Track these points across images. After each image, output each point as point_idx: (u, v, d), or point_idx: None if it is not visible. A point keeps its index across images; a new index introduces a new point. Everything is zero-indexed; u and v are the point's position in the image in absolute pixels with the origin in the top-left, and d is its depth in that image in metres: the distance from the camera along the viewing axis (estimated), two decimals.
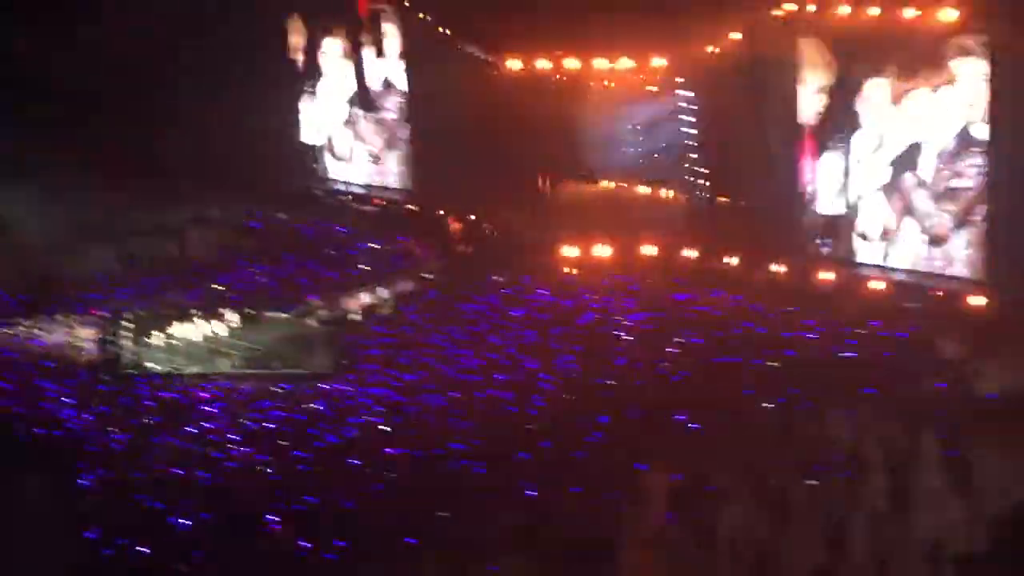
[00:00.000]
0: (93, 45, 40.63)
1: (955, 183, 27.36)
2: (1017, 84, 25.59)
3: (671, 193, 34.65)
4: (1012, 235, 26.76)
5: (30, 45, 40.26)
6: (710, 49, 31.28)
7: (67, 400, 24.88)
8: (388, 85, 38.93)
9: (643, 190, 35.11)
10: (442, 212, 36.28)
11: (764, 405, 22.95)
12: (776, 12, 29.42)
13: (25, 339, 28.46)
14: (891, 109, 27.96)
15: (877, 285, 29.25)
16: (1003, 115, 25.97)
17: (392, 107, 39.24)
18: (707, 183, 33.03)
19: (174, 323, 28.60)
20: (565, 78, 34.88)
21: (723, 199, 32.60)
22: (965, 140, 26.84)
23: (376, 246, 34.82)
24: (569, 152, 36.11)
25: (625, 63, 33.41)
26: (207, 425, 23.72)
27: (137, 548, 18.88)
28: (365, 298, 31.08)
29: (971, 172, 26.94)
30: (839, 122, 29.35)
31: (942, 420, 22.26)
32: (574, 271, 32.05)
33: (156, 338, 28.35)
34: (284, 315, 30.56)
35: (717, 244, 31.88)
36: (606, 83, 35.08)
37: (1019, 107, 25.68)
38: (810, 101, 29.63)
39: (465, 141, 35.68)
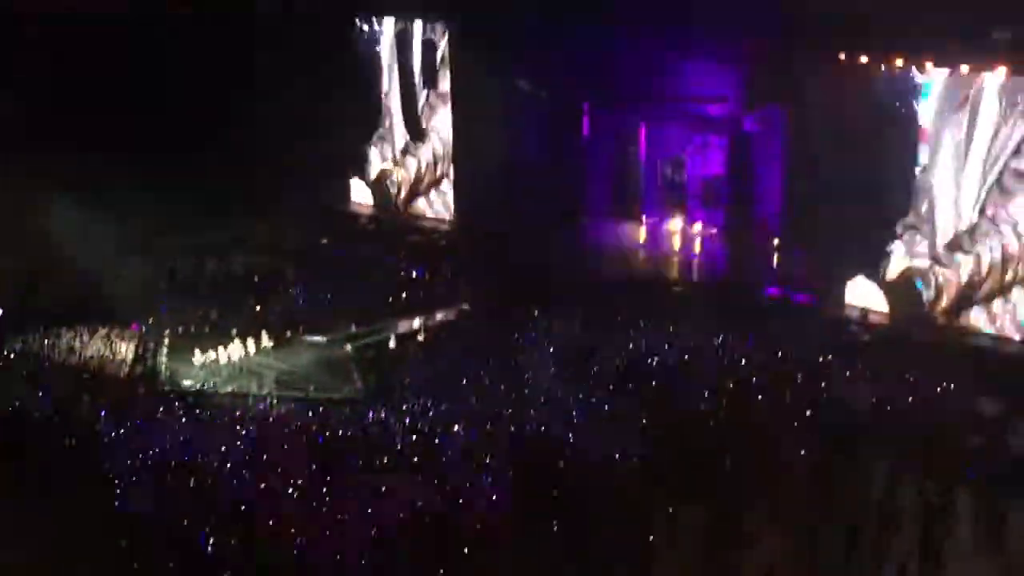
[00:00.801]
0: (150, 65, 41.43)
1: None
2: None
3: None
4: None
5: (88, 62, 41.23)
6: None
7: (102, 411, 24.95)
8: (438, 117, 39.29)
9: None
10: (485, 244, 36.44)
11: (801, 450, 22.94)
12: None
13: (65, 349, 28.60)
14: None
15: (923, 336, 29.40)
16: None
17: (441, 139, 39.53)
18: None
19: (212, 342, 28.72)
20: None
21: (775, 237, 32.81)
22: None
23: (418, 274, 34.95)
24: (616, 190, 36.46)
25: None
26: (238, 444, 23.72)
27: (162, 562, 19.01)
28: (404, 326, 31.10)
29: None
30: None
31: (977, 476, 22.25)
32: (614, 306, 31.95)
33: (193, 356, 28.45)
34: (321, 339, 30.67)
35: (765, 281, 32.08)
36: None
37: None
38: None
39: (507, 175, 35.93)
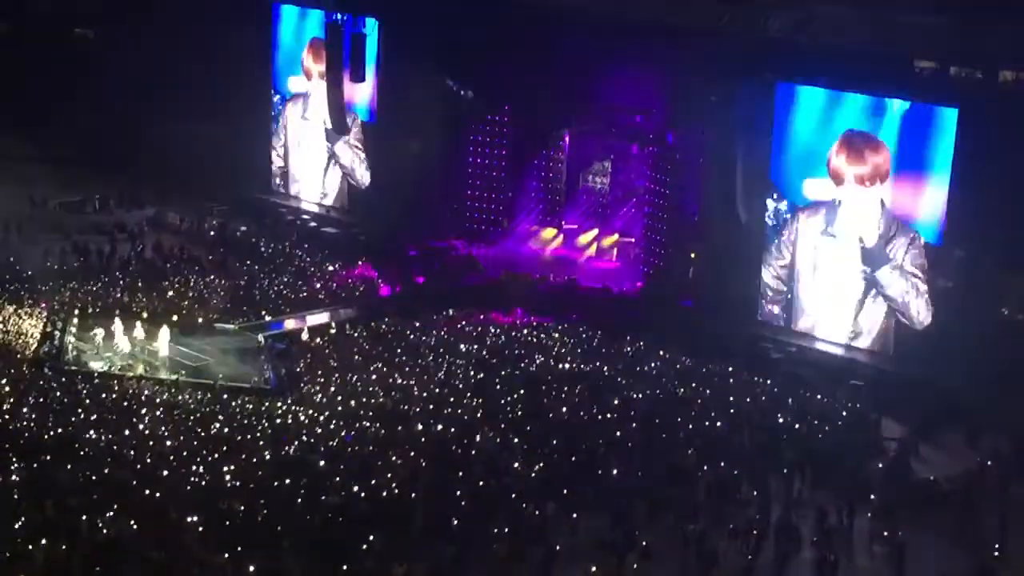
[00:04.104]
0: (74, 49, 41.41)
1: None
2: None
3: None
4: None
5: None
6: None
7: (6, 388, 24.58)
8: (357, 112, 39.11)
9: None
10: (401, 242, 36.43)
11: (703, 467, 23.14)
12: None
13: None
14: None
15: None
16: None
17: (360, 133, 39.36)
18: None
19: (122, 324, 28.31)
20: None
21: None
22: None
23: (333, 267, 34.81)
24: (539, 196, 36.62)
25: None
26: (142, 429, 23.43)
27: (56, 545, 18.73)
28: (316, 318, 30.93)
29: None
30: None
31: (878, 498, 22.56)
32: (528, 315, 32.07)
33: (102, 337, 28.04)
34: (232, 327, 30.37)
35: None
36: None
37: None
38: None
39: (426, 174, 36.00)
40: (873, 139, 29.46)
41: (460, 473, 22.07)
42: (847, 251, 30.18)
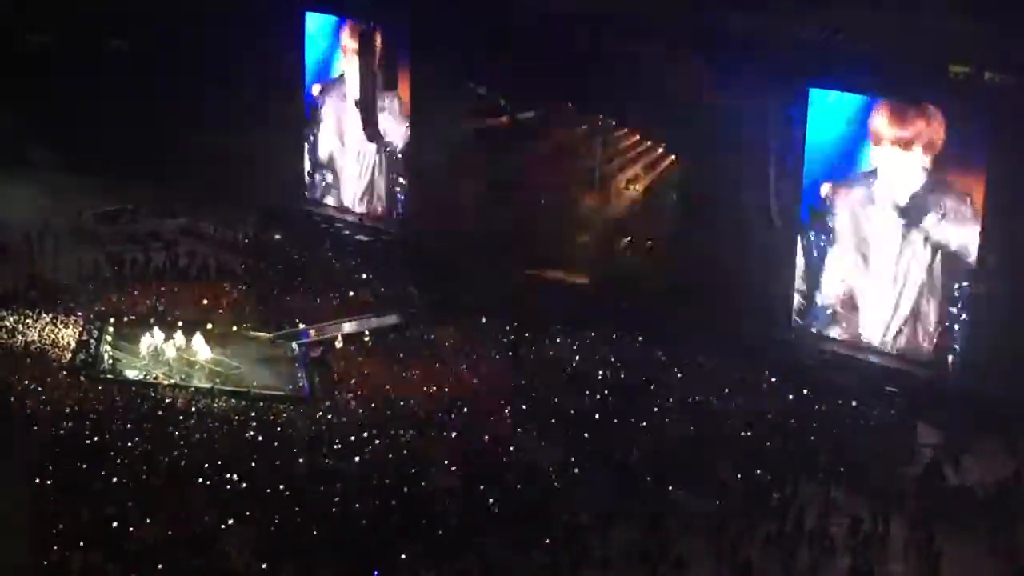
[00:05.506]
0: (109, 59, 41.68)
1: None
2: None
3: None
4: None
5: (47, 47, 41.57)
6: None
7: (43, 397, 24.70)
8: (392, 118, 39.18)
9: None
10: (434, 251, 36.41)
11: (738, 474, 23.13)
12: None
13: (8, 333, 28.27)
14: None
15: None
16: None
17: (396, 140, 39.45)
18: None
19: (157, 332, 28.45)
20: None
21: None
22: None
23: (365, 276, 34.91)
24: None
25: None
26: (177, 436, 23.53)
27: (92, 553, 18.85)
28: (348, 327, 30.99)
29: None
30: None
31: (914, 506, 22.51)
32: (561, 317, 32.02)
33: (137, 345, 28.20)
34: (266, 336, 30.51)
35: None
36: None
37: None
38: None
39: (462, 181, 35.93)
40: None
41: (493, 481, 22.16)
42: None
